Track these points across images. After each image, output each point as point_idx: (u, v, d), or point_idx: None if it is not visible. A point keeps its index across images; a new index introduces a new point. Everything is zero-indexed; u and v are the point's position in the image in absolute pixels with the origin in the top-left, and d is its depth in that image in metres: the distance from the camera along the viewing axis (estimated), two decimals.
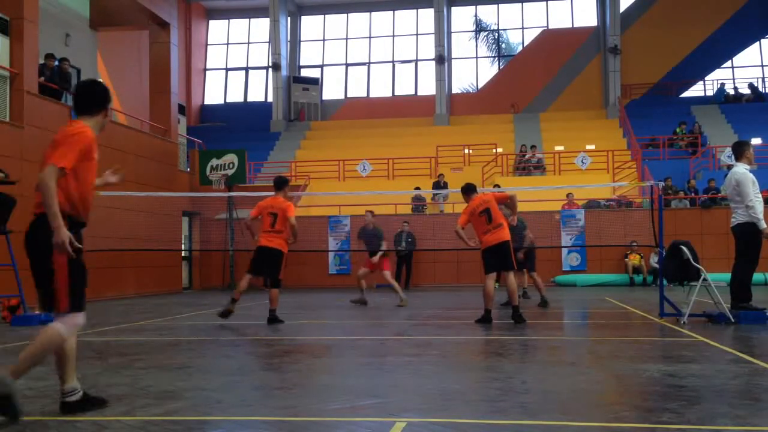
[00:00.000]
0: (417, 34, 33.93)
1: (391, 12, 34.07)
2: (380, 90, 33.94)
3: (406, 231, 19.58)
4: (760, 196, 9.01)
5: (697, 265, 9.10)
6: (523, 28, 33.63)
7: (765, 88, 31.73)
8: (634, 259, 20.00)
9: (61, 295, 4.10)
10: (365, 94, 33.96)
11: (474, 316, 11.28)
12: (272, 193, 10.20)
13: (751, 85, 30.59)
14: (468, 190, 10.33)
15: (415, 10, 33.76)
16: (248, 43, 35.08)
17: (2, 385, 4.02)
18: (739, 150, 9.28)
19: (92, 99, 4.51)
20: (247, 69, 34.93)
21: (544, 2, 33.38)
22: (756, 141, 23.41)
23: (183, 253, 21.46)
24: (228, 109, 33.78)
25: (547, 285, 20.31)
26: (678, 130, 26.15)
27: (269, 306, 9.91)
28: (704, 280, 9.04)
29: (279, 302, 10.06)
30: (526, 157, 25.35)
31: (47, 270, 4.11)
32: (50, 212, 4.07)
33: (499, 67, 33.84)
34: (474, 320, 9.58)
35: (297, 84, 32.53)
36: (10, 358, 6.93)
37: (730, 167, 20.39)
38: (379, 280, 15.03)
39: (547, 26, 33.06)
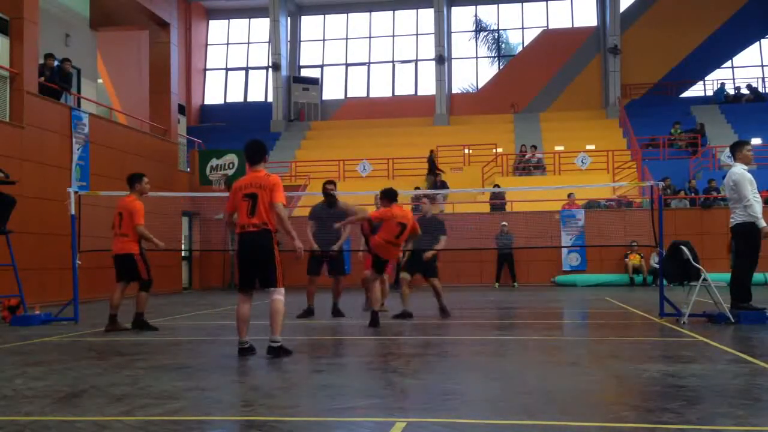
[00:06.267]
0: (417, 34, 33.92)
1: (391, 12, 34.07)
2: (380, 90, 33.94)
3: None
4: (758, 195, 9.00)
5: (697, 265, 9.10)
6: (523, 28, 33.63)
7: (765, 88, 31.73)
8: (634, 259, 19.99)
9: (279, 277, 6.47)
10: (365, 94, 33.96)
11: (474, 316, 11.28)
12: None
13: (749, 86, 30.61)
14: (390, 195, 9.39)
15: (415, 10, 33.76)
16: (248, 43, 35.07)
17: (275, 342, 6.45)
18: (737, 150, 9.28)
19: (264, 153, 6.77)
20: (247, 69, 34.92)
21: (544, 2, 33.38)
22: (756, 141, 23.40)
23: (183, 253, 21.45)
24: (228, 109, 33.77)
25: (547, 285, 20.43)
26: (672, 130, 26.14)
27: (136, 309, 9.13)
28: (704, 280, 9.04)
29: (147, 306, 9.32)
30: (526, 157, 25.36)
31: (270, 264, 6.39)
32: (289, 232, 6.48)
33: (499, 67, 33.84)
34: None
35: (297, 84, 32.53)
36: (13, 357, 6.93)
37: (724, 167, 20.40)
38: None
39: (547, 26, 33.05)
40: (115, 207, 9.30)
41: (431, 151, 24.61)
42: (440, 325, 9.57)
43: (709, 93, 31.59)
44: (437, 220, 11.07)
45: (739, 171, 8.97)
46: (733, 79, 31.86)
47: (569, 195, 20.92)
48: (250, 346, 6.64)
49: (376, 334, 8.53)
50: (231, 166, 21.41)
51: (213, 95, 34.60)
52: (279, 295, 6.52)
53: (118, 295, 9.21)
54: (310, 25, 34.54)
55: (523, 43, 33.63)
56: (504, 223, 20.22)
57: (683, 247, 9.22)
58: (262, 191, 6.43)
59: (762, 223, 8.75)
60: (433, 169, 24.13)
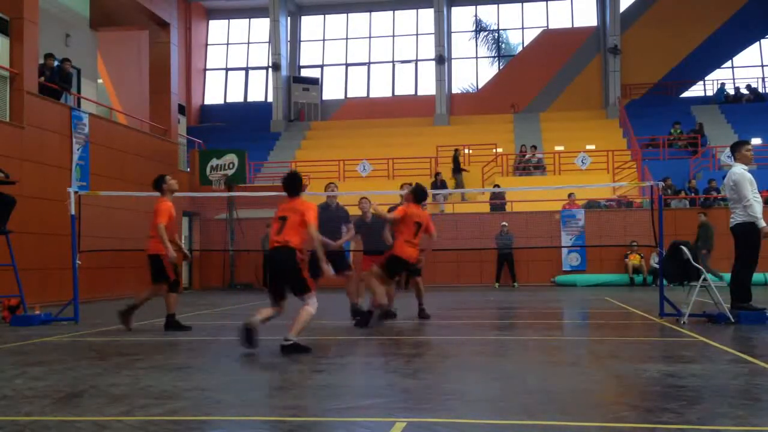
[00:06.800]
0: (417, 34, 33.93)
1: (391, 12, 34.07)
2: (380, 90, 33.95)
3: None
4: (758, 195, 8.99)
5: (697, 265, 9.10)
6: (523, 28, 33.63)
7: (765, 88, 31.73)
8: (634, 259, 20.00)
9: (306, 285, 6.98)
10: (365, 94, 33.96)
11: (474, 316, 11.28)
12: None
13: (749, 86, 30.63)
14: (418, 195, 9.42)
15: (415, 10, 33.76)
16: (248, 43, 35.08)
17: (287, 340, 6.78)
18: (737, 150, 9.27)
19: (299, 184, 7.20)
20: (247, 69, 34.93)
21: (544, 2, 33.38)
22: (756, 141, 23.41)
23: None
24: (228, 109, 33.78)
25: (547, 285, 20.43)
26: (672, 130, 26.15)
27: (167, 311, 9.16)
28: (704, 280, 9.04)
29: (177, 306, 9.31)
30: (526, 157, 25.36)
31: (294, 275, 6.92)
32: (322, 257, 6.98)
33: (499, 67, 33.84)
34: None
35: (297, 84, 32.53)
36: (13, 357, 6.93)
37: (724, 167, 20.44)
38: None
39: (547, 26, 33.06)
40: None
41: (456, 150, 24.51)
42: (440, 326, 9.56)
43: (709, 93, 31.60)
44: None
45: (739, 171, 8.96)
46: (733, 79, 31.86)
47: (569, 195, 20.92)
48: (254, 329, 6.77)
49: (377, 334, 8.53)
50: (231, 166, 21.41)
51: (213, 95, 34.62)
52: (310, 306, 6.98)
53: (147, 294, 9.30)
54: (310, 25, 34.54)
55: (523, 43, 33.63)
56: (504, 223, 20.22)
57: (683, 247, 9.22)
58: (293, 213, 6.99)
59: (762, 223, 8.75)
60: (458, 167, 24.05)
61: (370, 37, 34.32)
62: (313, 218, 6.95)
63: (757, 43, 32.21)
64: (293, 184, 7.14)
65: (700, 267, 9.11)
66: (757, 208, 8.81)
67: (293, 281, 6.95)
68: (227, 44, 34.97)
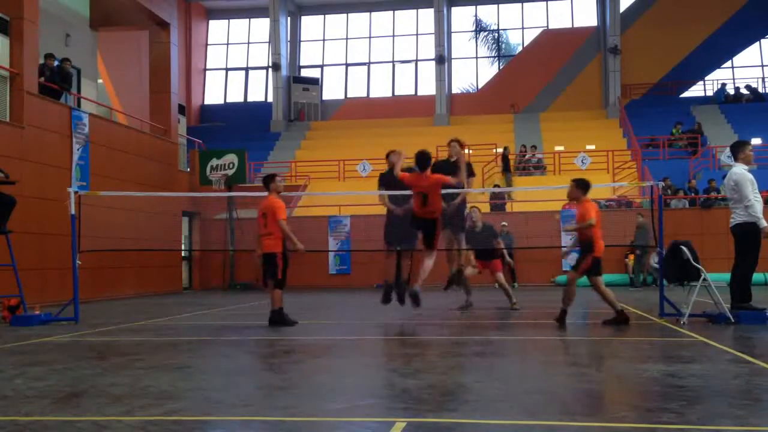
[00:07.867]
0: (417, 34, 33.92)
1: (391, 12, 34.07)
2: (380, 90, 33.94)
3: None
4: (759, 195, 8.99)
5: (697, 265, 9.09)
6: (523, 28, 33.63)
7: (765, 88, 31.72)
8: (634, 259, 19.98)
9: (435, 244, 9.34)
10: (365, 94, 33.96)
11: (474, 316, 11.29)
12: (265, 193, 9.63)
13: (749, 86, 30.62)
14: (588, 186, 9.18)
15: (415, 10, 33.76)
16: (248, 43, 35.08)
17: (413, 290, 9.21)
18: (738, 150, 9.27)
19: (429, 160, 9.32)
20: (247, 69, 34.92)
21: (544, 2, 33.38)
22: (756, 141, 23.40)
23: (183, 253, 21.44)
24: (228, 109, 33.77)
25: (547, 285, 20.42)
26: (674, 130, 26.14)
27: (271, 307, 9.50)
28: (704, 280, 9.04)
29: (282, 302, 9.51)
30: (526, 157, 25.35)
31: (433, 235, 9.26)
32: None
33: (499, 67, 33.84)
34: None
35: (297, 84, 32.53)
36: (14, 357, 6.93)
37: (724, 167, 20.41)
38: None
39: (547, 26, 33.05)
40: (258, 208, 9.58)
41: (505, 147, 24.32)
42: (440, 325, 9.57)
43: (709, 93, 31.59)
44: (488, 225, 12.48)
45: (740, 171, 8.96)
46: (733, 79, 31.85)
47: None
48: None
49: (376, 334, 8.52)
50: (231, 166, 21.40)
51: (213, 95, 34.61)
52: (429, 260, 9.13)
53: (271, 293, 9.57)
54: (310, 25, 34.54)
55: (523, 43, 33.62)
56: (504, 223, 20.20)
57: (683, 247, 9.22)
58: (430, 189, 8.95)
59: (763, 223, 8.75)
60: (508, 166, 23.89)
61: (370, 37, 34.31)
62: (445, 179, 9.03)
63: (757, 43, 32.20)
64: (426, 160, 9.09)
65: (700, 267, 9.11)
66: (758, 208, 8.82)
67: (430, 239, 9.07)
68: (227, 44, 34.97)
